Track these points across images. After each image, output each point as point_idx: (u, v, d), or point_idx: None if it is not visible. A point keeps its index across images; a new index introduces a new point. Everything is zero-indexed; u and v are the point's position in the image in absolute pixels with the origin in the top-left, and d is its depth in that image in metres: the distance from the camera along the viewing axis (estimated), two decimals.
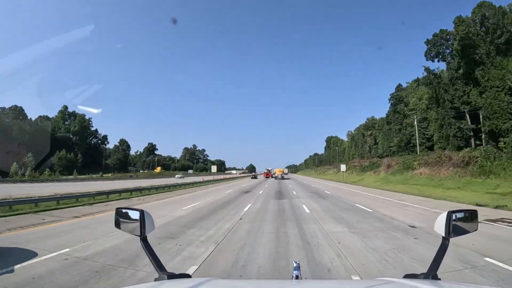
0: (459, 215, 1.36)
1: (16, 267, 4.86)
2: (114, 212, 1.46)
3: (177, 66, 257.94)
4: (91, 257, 5.55)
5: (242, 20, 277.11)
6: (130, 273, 4.64)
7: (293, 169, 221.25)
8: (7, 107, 78.76)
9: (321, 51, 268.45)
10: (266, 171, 78.36)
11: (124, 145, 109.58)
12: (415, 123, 43.43)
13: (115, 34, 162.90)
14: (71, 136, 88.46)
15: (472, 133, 35.04)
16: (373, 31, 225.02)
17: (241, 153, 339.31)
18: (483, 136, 32.71)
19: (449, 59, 37.65)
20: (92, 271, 4.73)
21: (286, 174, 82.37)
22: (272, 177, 68.36)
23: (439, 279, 1.29)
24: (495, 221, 9.50)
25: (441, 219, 1.34)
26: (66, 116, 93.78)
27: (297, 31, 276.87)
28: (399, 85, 55.71)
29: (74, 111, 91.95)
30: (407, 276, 1.41)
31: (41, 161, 53.39)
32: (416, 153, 41.37)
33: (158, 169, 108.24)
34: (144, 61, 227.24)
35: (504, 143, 26.72)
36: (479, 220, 1.49)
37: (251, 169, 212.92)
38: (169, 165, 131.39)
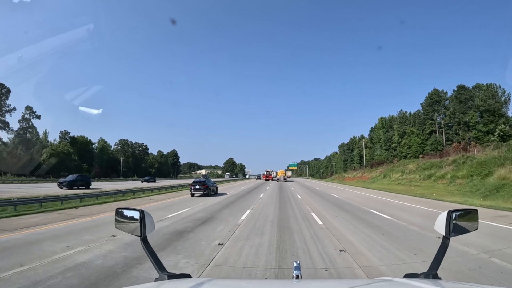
0: (459, 214, 1.36)
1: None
2: None
3: (175, 66, 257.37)
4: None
5: (241, 23, 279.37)
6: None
7: (310, 169, 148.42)
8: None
9: (322, 53, 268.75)
10: (266, 173, 74.43)
11: None
12: None
13: (114, 35, 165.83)
14: None
15: None
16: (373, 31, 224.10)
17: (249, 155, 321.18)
18: None
19: None
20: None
21: (289, 177, 79.16)
22: (272, 179, 65.90)
23: (440, 278, 1.29)
24: None
25: (441, 219, 1.34)
26: None
27: (297, 33, 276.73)
28: None
29: None
30: (407, 276, 1.41)
31: None
32: None
33: None
34: (143, 61, 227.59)
35: None
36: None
37: (229, 167, 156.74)
38: None
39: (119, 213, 1.50)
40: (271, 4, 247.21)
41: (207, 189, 21.24)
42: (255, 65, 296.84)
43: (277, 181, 58.82)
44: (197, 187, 21.26)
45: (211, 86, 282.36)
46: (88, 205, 14.65)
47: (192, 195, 21.23)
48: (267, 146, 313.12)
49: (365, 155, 72.42)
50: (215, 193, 23.19)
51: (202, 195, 20.95)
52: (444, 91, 52.89)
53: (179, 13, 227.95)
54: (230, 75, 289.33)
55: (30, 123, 60.15)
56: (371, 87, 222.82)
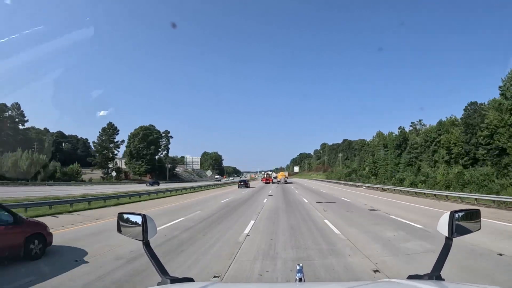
0: (462, 214, 1.37)
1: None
2: None
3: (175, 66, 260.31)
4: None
5: (241, 23, 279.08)
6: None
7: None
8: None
9: (322, 53, 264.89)
10: (266, 176, 72.99)
11: None
12: None
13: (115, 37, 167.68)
14: None
15: None
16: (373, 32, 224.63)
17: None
18: None
19: None
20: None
21: (288, 177, 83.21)
22: (272, 182, 67.21)
23: (443, 279, 1.30)
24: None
25: (444, 219, 1.34)
26: None
27: (297, 33, 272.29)
28: None
29: None
30: (410, 277, 1.43)
31: None
32: None
33: None
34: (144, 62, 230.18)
35: None
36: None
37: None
38: None
39: (121, 217, 1.49)
40: (271, 5, 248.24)
41: (247, 185, 43.30)
42: (255, 65, 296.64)
43: (278, 183, 60.68)
44: (242, 183, 43.70)
45: (211, 86, 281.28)
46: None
47: (239, 187, 42.60)
48: (267, 146, 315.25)
49: None
50: (249, 187, 44.47)
51: (244, 188, 42.28)
52: None
53: (179, 14, 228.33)
54: (230, 75, 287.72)
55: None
56: (371, 87, 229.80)
